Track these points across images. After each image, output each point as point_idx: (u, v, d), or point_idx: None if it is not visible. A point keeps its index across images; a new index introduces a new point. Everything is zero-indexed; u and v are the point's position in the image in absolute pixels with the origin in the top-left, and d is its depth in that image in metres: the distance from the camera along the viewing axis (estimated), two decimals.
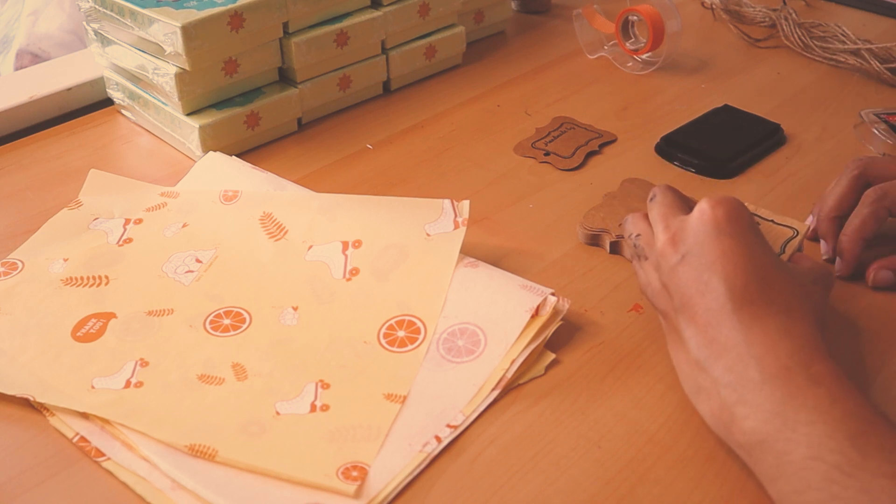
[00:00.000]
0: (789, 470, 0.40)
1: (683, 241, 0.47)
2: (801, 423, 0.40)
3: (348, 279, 0.57)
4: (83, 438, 0.48)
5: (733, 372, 0.43)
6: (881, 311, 0.56)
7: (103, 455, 0.47)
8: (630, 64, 0.87)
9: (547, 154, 0.72)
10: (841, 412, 0.40)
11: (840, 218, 0.60)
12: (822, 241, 0.61)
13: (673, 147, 0.72)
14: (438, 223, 0.58)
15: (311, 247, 0.59)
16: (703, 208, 0.47)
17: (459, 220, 0.58)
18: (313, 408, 0.49)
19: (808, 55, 0.87)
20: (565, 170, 0.71)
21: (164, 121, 0.74)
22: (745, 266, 0.45)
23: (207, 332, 0.55)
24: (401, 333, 0.54)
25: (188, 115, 0.71)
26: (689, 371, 0.47)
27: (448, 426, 0.48)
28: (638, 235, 0.52)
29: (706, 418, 0.45)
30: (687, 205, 0.51)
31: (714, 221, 0.46)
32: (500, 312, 0.53)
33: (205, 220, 0.63)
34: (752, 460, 0.43)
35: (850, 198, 0.59)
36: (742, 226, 0.46)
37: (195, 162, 0.70)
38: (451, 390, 0.50)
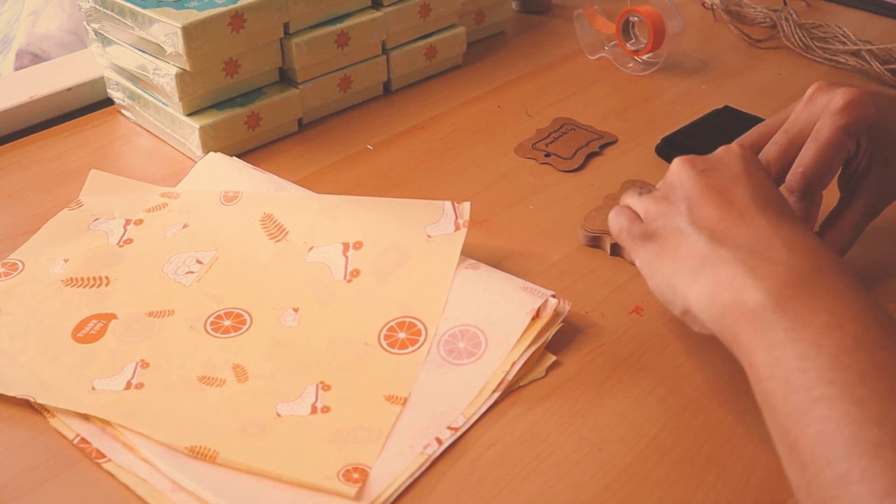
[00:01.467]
0: (803, 335, 0.38)
1: (705, 160, 0.49)
2: (826, 293, 0.39)
3: (349, 280, 0.57)
4: (84, 440, 0.48)
5: (756, 249, 0.42)
6: None
7: (104, 456, 0.47)
8: (631, 65, 0.87)
9: (548, 155, 0.72)
10: (865, 296, 0.39)
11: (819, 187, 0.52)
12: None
13: (673, 148, 0.72)
14: (439, 225, 0.58)
15: (311, 248, 0.59)
16: (726, 147, 0.50)
17: (460, 221, 0.58)
18: (314, 409, 0.49)
19: (809, 56, 0.87)
20: (566, 171, 0.71)
21: (164, 121, 0.74)
22: (765, 182, 0.47)
23: (208, 333, 0.55)
24: (401, 335, 0.54)
25: (188, 115, 0.71)
26: (683, 262, 0.45)
27: (449, 428, 0.48)
28: (646, 189, 0.53)
29: (706, 310, 0.43)
30: None
31: (739, 151, 0.49)
32: (501, 314, 0.53)
33: (205, 220, 0.63)
34: (750, 336, 0.40)
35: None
36: (765, 171, 0.49)
37: (195, 162, 0.70)
38: (452, 392, 0.50)
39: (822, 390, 0.36)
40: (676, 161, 0.50)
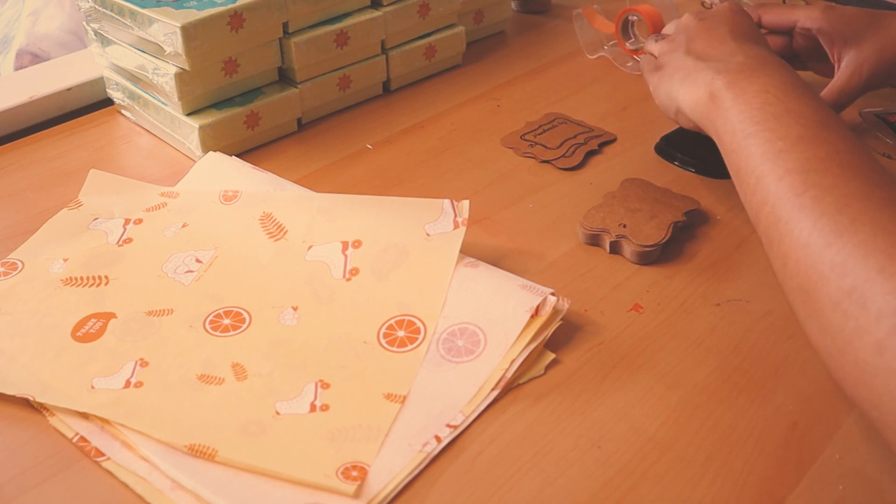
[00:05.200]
0: (742, 99, 0.52)
1: (705, 12, 0.64)
2: (764, 74, 0.53)
3: (348, 279, 0.57)
4: (83, 438, 0.48)
5: (724, 60, 0.57)
6: None
7: (103, 455, 0.47)
8: (630, 64, 0.87)
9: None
10: (794, 78, 0.53)
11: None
12: None
13: (673, 147, 0.72)
14: (438, 223, 0.58)
15: (310, 247, 0.59)
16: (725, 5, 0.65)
17: (459, 220, 0.58)
18: (313, 408, 0.49)
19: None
20: (565, 169, 0.71)
21: (164, 121, 0.74)
22: (745, 23, 0.62)
23: (207, 332, 0.55)
24: (401, 333, 0.54)
25: (188, 115, 0.71)
26: (678, 76, 0.59)
27: (448, 426, 0.48)
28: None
29: (690, 106, 0.57)
30: None
31: (730, 4, 0.64)
32: (500, 312, 0.53)
33: (205, 220, 0.63)
34: (714, 112, 0.54)
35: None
36: (749, 18, 0.64)
37: (195, 162, 0.70)
38: (451, 390, 0.50)
39: (751, 128, 0.50)
40: (685, 14, 0.66)
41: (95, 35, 0.77)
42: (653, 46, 0.68)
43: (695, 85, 0.57)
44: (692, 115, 0.57)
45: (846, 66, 0.68)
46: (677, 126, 0.75)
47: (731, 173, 0.52)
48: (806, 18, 0.70)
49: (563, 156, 0.72)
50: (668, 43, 0.65)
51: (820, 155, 0.47)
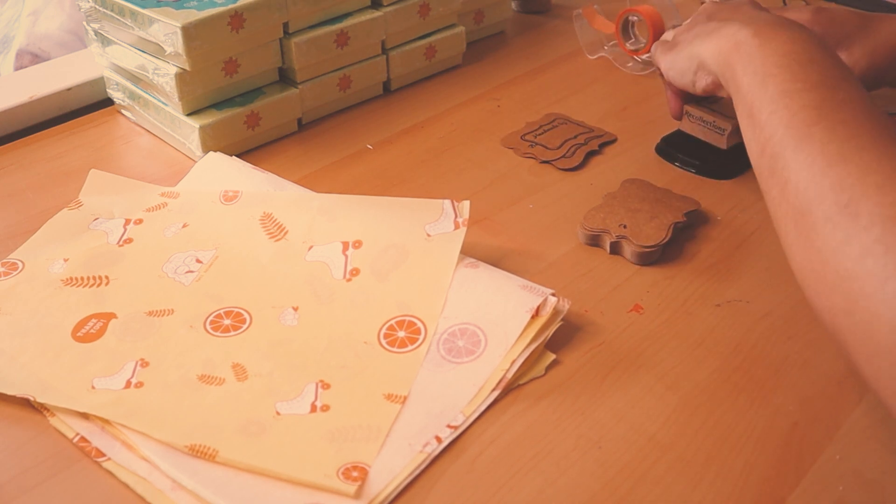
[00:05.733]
0: (768, 47, 0.52)
1: (725, 7, 0.63)
2: (790, 29, 0.53)
3: (348, 279, 0.57)
4: (83, 439, 0.48)
5: (749, 20, 0.56)
6: None
7: (103, 455, 0.47)
8: (630, 64, 0.87)
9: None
10: (818, 42, 0.53)
11: None
12: None
13: (673, 147, 0.72)
14: (439, 223, 0.58)
15: (311, 247, 0.59)
16: None
17: (460, 220, 0.58)
18: (313, 408, 0.49)
19: None
20: (565, 169, 0.71)
21: (164, 121, 0.74)
22: (763, 11, 0.61)
23: (207, 332, 0.55)
24: (401, 334, 0.54)
25: (188, 115, 0.71)
26: (699, 38, 0.59)
27: (448, 426, 0.48)
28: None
29: (713, 57, 0.57)
30: None
31: (746, 1, 0.64)
32: (501, 313, 0.53)
33: (205, 220, 0.63)
34: (737, 59, 0.54)
35: None
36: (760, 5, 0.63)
37: (195, 162, 0.70)
38: (452, 390, 0.50)
39: (773, 70, 0.51)
40: (706, 3, 0.69)
41: (95, 35, 0.77)
42: (667, 34, 0.69)
43: (719, 37, 0.57)
44: (713, 65, 0.57)
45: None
46: (677, 126, 0.75)
47: (742, 116, 0.52)
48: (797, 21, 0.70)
49: (563, 156, 0.72)
50: (684, 26, 0.65)
51: (838, 97, 0.47)
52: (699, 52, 0.59)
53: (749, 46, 0.53)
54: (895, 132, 0.45)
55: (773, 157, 0.48)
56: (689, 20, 0.67)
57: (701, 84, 0.61)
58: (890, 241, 0.39)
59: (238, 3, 0.69)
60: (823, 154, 0.44)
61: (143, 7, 0.69)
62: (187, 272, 0.59)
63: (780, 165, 0.47)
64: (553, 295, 0.53)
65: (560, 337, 0.54)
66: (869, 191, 0.41)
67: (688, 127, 0.72)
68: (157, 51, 0.70)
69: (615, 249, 0.62)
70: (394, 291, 0.56)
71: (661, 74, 0.68)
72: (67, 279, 0.59)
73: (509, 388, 0.51)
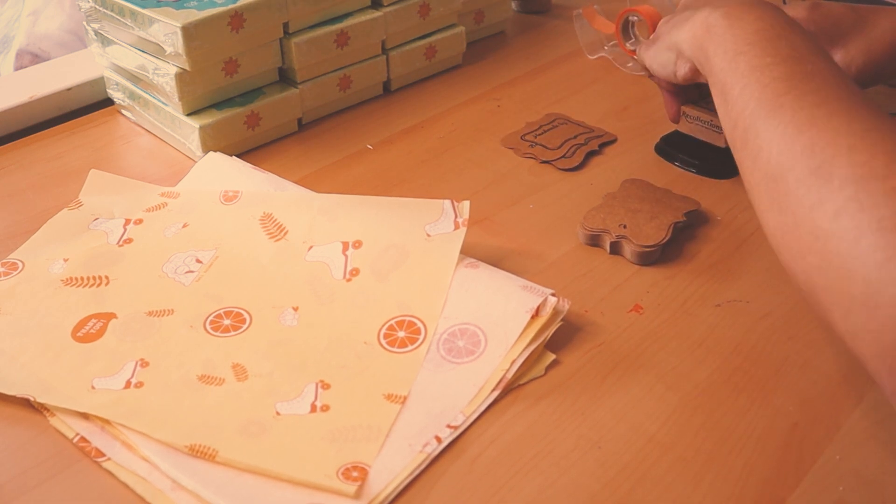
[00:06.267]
0: (737, 27, 0.53)
1: None
2: (758, 7, 0.54)
3: (348, 279, 0.57)
4: (83, 439, 0.48)
5: (722, 3, 0.56)
6: None
7: (103, 455, 0.47)
8: (630, 64, 0.87)
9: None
10: (787, 17, 0.53)
11: None
12: None
13: (673, 147, 0.72)
14: (439, 224, 0.58)
15: (311, 247, 0.59)
16: None
17: (460, 220, 0.58)
18: (313, 408, 0.49)
19: None
20: (565, 170, 0.71)
21: (164, 121, 0.74)
22: None
23: (207, 332, 0.55)
24: (401, 334, 0.54)
25: (188, 115, 0.71)
26: (676, 27, 0.59)
27: (448, 426, 0.48)
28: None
29: (687, 42, 0.57)
30: None
31: None
32: (501, 313, 0.53)
33: (205, 220, 0.63)
34: (710, 42, 0.54)
35: None
36: None
37: (195, 162, 0.70)
38: (452, 391, 0.50)
39: (743, 47, 0.51)
40: None
41: (95, 35, 0.77)
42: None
43: (693, 24, 0.58)
44: (688, 50, 0.58)
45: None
46: (676, 127, 0.75)
47: (717, 95, 0.53)
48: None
49: (563, 156, 0.72)
50: (664, 20, 0.66)
51: (807, 69, 0.48)
52: (676, 41, 0.60)
53: (720, 28, 0.54)
54: (864, 97, 0.46)
55: (745, 130, 0.48)
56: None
57: (681, 72, 0.61)
58: (863, 198, 0.40)
59: (238, 3, 0.69)
60: (794, 121, 0.45)
61: (143, 7, 0.69)
62: (187, 272, 0.59)
63: (751, 136, 0.48)
64: (553, 295, 0.53)
65: (560, 337, 0.54)
66: (840, 152, 0.42)
67: (686, 128, 0.72)
68: (157, 51, 0.70)
69: (615, 249, 0.62)
70: (394, 291, 0.56)
71: (649, 73, 0.68)
72: (67, 279, 0.59)
73: (509, 389, 0.51)
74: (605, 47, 0.88)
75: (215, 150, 0.70)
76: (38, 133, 0.78)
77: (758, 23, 0.52)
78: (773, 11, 0.53)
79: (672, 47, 0.61)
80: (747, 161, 0.48)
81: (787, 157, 0.44)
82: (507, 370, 0.51)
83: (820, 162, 0.43)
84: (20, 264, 0.60)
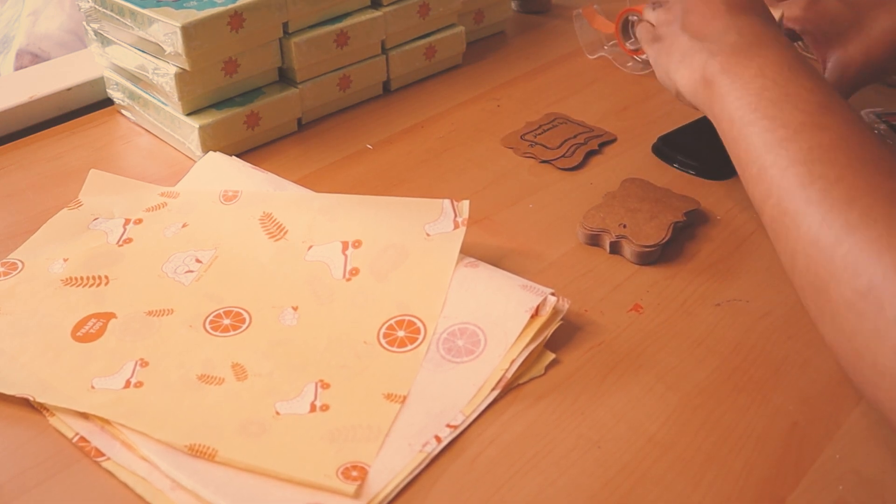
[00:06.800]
0: (737, 84, 0.52)
1: None
2: (758, 55, 0.52)
3: (348, 279, 0.57)
4: (83, 438, 0.48)
5: (718, 38, 0.55)
6: None
7: (103, 455, 0.47)
8: (630, 64, 0.87)
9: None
10: (792, 56, 0.52)
11: None
12: None
13: (671, 147, 0.72)
14: (438, 223, 0.58)
15: (310, 247, 0.59)
16: None
17: (459, 220, 0.58)
18: (313, 408, 0.49)
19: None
20: (565, 169, 0.71)
21: (164, 121, 0.74)
22: None
23: (207, 332, 0.55)
24: (401, 333, 0.54)
25: (188, 115, 0.71)
26: (675, 56, 0.58)
27: (448, 426, 0.48)
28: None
29: (686, 89, 0.57)
30: None
31: None
32: (500, 312, 0.53)
33: (205, 220, 0.63)
34: (711, 97, 0.54)
35: None
36: None
37: (195, 162, 0.70)
38: (451, 390, 0.50)
39: (749, 115, 0.50)
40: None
41: (95, 35, 0.77)
42: (650, 15, 0.68)
43: (690, 68, 0.56)
44: (690, 100, 0.57)
45: (833, 68, 0.67)
46: (676, 128, 0.75)
47: (733, 160, 0.52)
48: (788, 19, 0.68)
49: (563, 156, 0.72)
50: (664, 12, 0.64)
51: (824, 143, 0.45)
52: (675, 79, 0.58)
53: (720, 86, 0.52)
54: (892, 163, 0.44)
55: (773, 219, 0.46)
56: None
57: (686, 104, 0.60)
58: None
59: (238, 3, 0.69)
60: (826, 225, 0.42)
61: (143, 7, 0.69)
62: (187, 272, 0.59)
63: (783, 232, 0.45)
64: (553, 294, 0.53)
65: (560, 337, 0.54)
66: (888, 273, 0.39)
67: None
68: (156, 51, 0.70)
69: (615, 249, 0.62)
70: (393, 291, 0.56)
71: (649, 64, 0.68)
72: (67, 279, 0.59)
73: (509, 388, 0.51)
74: (605, 47, 0.88)
75: (215, 150, 0.70)
76: (38, 133, 0.78)
77: (759, 80, 0.50)
78: (773, 57, 0.51)
79: (670, 80, 0.60)
80: (784, 258, 0.46)
81: (827, 272, 0.42)
82: (507, 370, 0.51)
83: (867, 284, 0.40)
84: (20, 264, 0.60)
